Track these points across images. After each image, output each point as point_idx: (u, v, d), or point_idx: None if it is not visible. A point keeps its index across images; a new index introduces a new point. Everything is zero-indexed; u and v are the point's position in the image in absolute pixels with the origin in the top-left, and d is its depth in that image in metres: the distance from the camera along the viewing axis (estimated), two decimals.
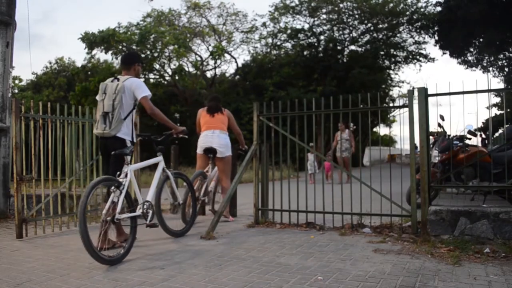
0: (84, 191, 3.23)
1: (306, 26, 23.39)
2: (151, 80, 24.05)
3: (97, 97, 3.71)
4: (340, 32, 23.59)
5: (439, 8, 19.37)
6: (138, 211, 3.60)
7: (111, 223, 3.38)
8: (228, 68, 47.01)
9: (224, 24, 22.73)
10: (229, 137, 5.29)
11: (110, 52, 20.43)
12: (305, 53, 23.67)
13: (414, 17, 21.90)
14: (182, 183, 4.65)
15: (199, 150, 5.26)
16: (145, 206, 3.69)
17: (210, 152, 5.09)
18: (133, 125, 3.76)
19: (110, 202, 3.33)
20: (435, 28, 20.20)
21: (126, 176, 3.49)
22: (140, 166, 4.10)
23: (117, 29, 19.88)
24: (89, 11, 56.83)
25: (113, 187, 3.37)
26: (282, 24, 23.23)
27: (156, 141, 4.14)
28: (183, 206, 4.45)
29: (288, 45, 24.34)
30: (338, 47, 23.62)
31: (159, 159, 4.11)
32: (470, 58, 19.75)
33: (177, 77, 22.33)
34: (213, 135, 5.05)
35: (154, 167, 4.24)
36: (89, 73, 22.98)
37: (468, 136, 5.37)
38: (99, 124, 3.61)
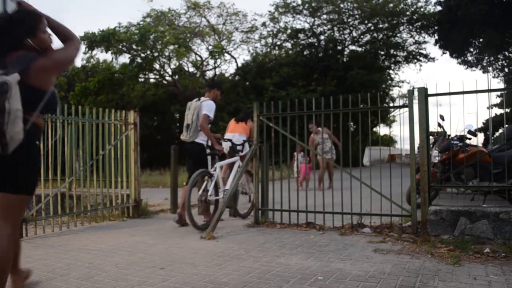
0: (191, 178, 4.43)
1: (307, 26, 23.40)
2: (151, 80, 24.08)
3: (186, 112, 4.95)
4: (341, 32, 23.58)
5: (439, 8, 19.37)
6: (220, 196, 4.71)
7: (204, 203, 4.60)
8: (228, 68, 47.02)
9: (224, 24, 22.72)
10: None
11: (110, 52, 20.42)
12: (305, 53, 23.64)
13: (414, 17, 21.87)
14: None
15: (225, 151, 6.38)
16: (225, 193, 4.71)
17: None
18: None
19: (204, 188, 4.55)
20: (435, 28, 20.20)
21: (215, 170, 4.68)
22: (225, 163, 5.08)
23: (117, 28, 19.86)
24: (93, 11, 56.84)
25: (206, 177, 4.59)
26: (282, 24, 23.23)
27: (236, 145, 5.44)
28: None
29: (288, 45, 24.33)
30: (338, 47, 23.59)
31: (237, 159, 5.21)
32: (470, 58, 19.77)
33: (176, 77, 22.32)
34: (233, 136, 6.09)
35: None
36: (89, 73, 22.97)
37: (468, 136, 5.37)
38: (183, 132, 4.87)
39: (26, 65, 2.10)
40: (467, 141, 5.32)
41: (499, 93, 15.74)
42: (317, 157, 8.69)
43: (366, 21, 22.82)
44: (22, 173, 2.14)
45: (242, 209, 5.48)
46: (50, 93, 2.18)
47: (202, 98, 4.93)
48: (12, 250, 2.11)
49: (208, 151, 4.81)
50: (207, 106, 4.79)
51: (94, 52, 21.00)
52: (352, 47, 24.24)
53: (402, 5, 21.79)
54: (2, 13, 2.36)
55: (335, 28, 23.25)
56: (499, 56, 19.49)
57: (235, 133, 6.42)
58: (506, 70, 19.79)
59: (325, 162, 8.25)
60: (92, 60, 23.51)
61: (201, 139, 4.79)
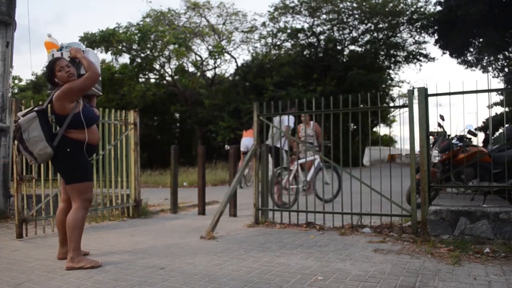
0: (273, 172, 5.84)
1: (306, 26, 23.38)
2: (152, 80, 24.09)
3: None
4: (340, 32, 23.54)
5: (439, 8, 19.35)
6: (300, 185, 5.86)
7: (284, 190, 5.99)
8: (228, 68, 46.97)
9: (223, 24, 22.70)
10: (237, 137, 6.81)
11: (109, 52, 20.41)
12: (305, 53, 23.60)
13: (414, 16, 21.83)
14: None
15: (242, 150, 8.86)
16: (304, 183, 5.92)
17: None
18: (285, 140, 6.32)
19: (286, 178, 6.03)
20: (435, 28, 20.17)
21: (295, 166, 6.03)
22: (302, 162, 6.01)
23: (116, 29, 19.85)
24: (94, 12, 56.83)
25: (286, 172, 6.04)
26: (281, 24, 23.19)
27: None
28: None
29: (288, 44, 24.30)
30: (338, 47, 23.55)
31: (316, 157, 6.39)
32: (470, 58, 19.73)
33: (176, 77, 22.32)
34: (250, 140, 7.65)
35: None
36: None
37: (468, 136, 5.37)
38: (269, 138, 6.03)
39: (51, 98, 3.07)
40: (471, 141, 5.33)
41: (499, 92, 15.72)
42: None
43: (366, 21, 22.77)
44: (61, 170, 3.16)
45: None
46: (73, 115, 3.02)
47: (284, 115, 6.19)
48: (81, 218, 3.05)
49: (284, 153, 6.30)
50: (286, 120, 6.21)
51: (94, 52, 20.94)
52: (352, 47, 24.20)
53: (402, 5, 21.74)
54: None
55: (335, 28, 23.21)
56: (499, 56, 19.46)
57: (250, 137, 7.44)
58: (506, 70, 19.77)
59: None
60: None
61: (279, 144, 6.07)
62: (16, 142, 3.01)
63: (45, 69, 3.19)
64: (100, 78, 3.37)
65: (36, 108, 3.06)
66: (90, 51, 3.34)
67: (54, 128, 3.28)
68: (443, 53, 19.82)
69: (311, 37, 23.45)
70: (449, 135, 5.54)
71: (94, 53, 3.40)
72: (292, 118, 6.29)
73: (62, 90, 3.02)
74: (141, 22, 20.73)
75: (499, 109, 24.06)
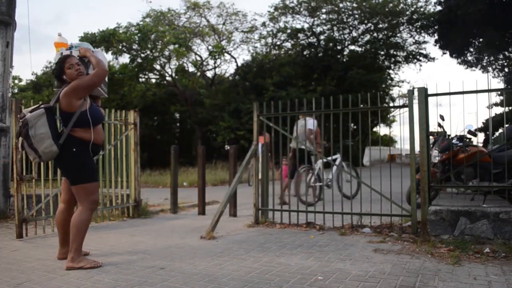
0: (297, 170, 6.03)
1: (306, 26, 23.38)
2: (152, 80, 24.08)
3: (294, 128, 6.43)
4: (340, 32, 23.54)
5: (439, 8, 19.33)
6: (323, 183, 5.66)
7: (308, 186, 6.06)
8: (228, 68, 46.97)
9: (223, 24, 22.70)
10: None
11: (110, 52, 20.40)
12: (305, 53, 23.61)
13: (414, 16, 21.84)
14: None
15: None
16: (327, 180, 6.64)
17: None
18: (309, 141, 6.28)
19: (310, 177, 6.33)
20: (435, 28, 20.16)
21: (317, 165, 6.55)
22: (324, 160, 6.25)
23: (116, 29, 19.85)
24: (94, 12, 56.83)
25: (310, 170, 6.34)
26: (281, 24, 23.19)
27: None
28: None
29: (288, 44, 24.31)
30: (338, 47, 23.57)
31: (337, 156, 6.77)
32: (470, 58, 19.71)
33: (176, 77, 22.32)
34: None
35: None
36: None
37: (468, 136, 5.37)
38: (292, 141, 6.26)
39: (58, 95, 3.05)
40: (471, 141, 5.32)
41: (499, 92, 15.73)
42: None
43: (365, 21, 22.77)
44: (66, 171, 3.11)
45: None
46: (80, 113, 3.00)
47: (307, 118, 6.30)
48: (85, 220, 3.06)
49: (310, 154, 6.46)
50: (310, 124, 6.41)
51: None
52: (352, 47, 24.22)
53: (402, 5, 21.75)
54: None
55: (335, 28, 23.21)
56: (499, 56, 19.45)
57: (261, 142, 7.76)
58: (506, 70, 19.76)
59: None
60: None
61: (303, 146, 6.10)
62: (20, 138, 2.95)
63: (54, 65, 3.18)
64: (107, 79, 3.37)
65: (43, 105, 3.04)
66: (99, 52, 3.35)
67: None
68: (443, 53, 19.80)
69: (311, 37, 23.46)
70: (449, 135, 5.54)
71: (102, 54, 3.40)
72: (315, 121, 6.63)
73: (70, 86, 3.00)
74: (141, 22, 20.74)
75: (499, 109, 24.05)
